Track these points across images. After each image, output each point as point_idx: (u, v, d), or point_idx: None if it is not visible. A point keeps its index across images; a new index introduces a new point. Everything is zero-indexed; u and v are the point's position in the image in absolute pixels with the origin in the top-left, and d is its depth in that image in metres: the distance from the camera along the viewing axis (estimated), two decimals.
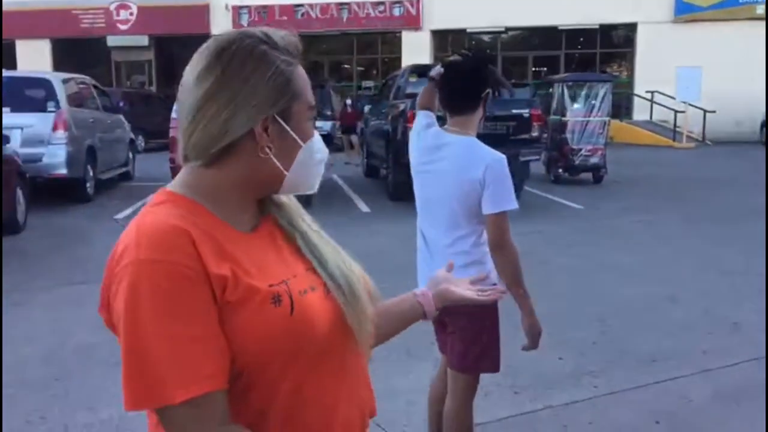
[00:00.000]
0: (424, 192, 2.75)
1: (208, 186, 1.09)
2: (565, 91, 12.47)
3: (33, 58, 25.21)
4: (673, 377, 4.24)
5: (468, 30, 24.54)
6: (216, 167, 1.08)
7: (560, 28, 23.74)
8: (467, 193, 2.54)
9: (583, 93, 12.37)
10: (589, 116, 12.26)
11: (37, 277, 6.40)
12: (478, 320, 2.69)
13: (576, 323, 5.21)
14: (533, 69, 25.72)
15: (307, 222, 1.23)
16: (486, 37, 26.02)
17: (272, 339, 1.04)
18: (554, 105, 12.84)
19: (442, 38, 25.63)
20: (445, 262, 2.58)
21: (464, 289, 1.49)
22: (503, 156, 2.54)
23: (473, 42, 26.08)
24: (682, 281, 6.28)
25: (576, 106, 12.46)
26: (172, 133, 9.02)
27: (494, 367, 2.83)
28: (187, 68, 1.09)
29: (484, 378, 4.13)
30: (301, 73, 1.12)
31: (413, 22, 24.34)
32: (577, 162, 12.25)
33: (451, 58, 2.63)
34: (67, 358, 4.48)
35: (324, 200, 10.61)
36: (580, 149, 12.20)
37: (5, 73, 9.94)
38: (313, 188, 1.20)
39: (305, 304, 1.09)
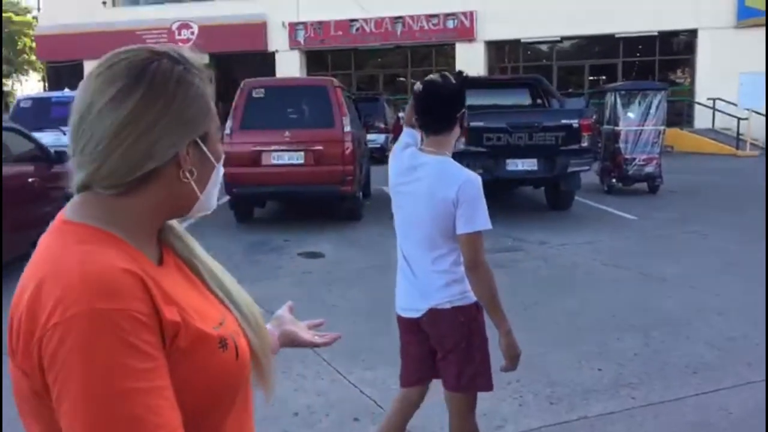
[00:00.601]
0: (402, 213, 2.78)
1: (125, 216, 1.00)
2: (618, 99, 12.30)
3: None
4: (714, 389, 4.17)
5: (523, 40, 24.46)
6: (132, 195, 1.00)
7: (617, 35, 23.40)
8: (441, 213, 2.55)
9: (637, 101, 12.17)
10: (643, 125, 12.05)
11: None
12: (466, 340, 2.72)
13: (618, 334, 5.16)
14: (590, 78, 25.39)
15: (202, 251, 1.15)
16: (541, 47, 25.87)
17: (222, 384, 1.01)
18: (607, 114, 12.68)
19: (497, 49, 25.60)
20: (429, 281, 2.63)
21: (305, 332, 1.51)
22: (477, 176, 2.55)
23: (528, 52, 25.96)
24: (731, 294, 6.14)
25: (629, 114, 12.27)
26: (225, 148, 9.27)
27: (489, 386, 2.85)
28: (89, 89, 1.01)
29: (520, 387, 4.17)
30: (211, 92, 1.08)
31: (467, 34, 24.38)
32: (630, 172, 12.05)
33: (430, 77, 2.67)
34: None
35: (373, 212, 10.74)
36: (634, 158, 12.01)
37: (60, 93, 10.42)
38: (211, 209, 1.13)
39: (242, 346, 1.06)
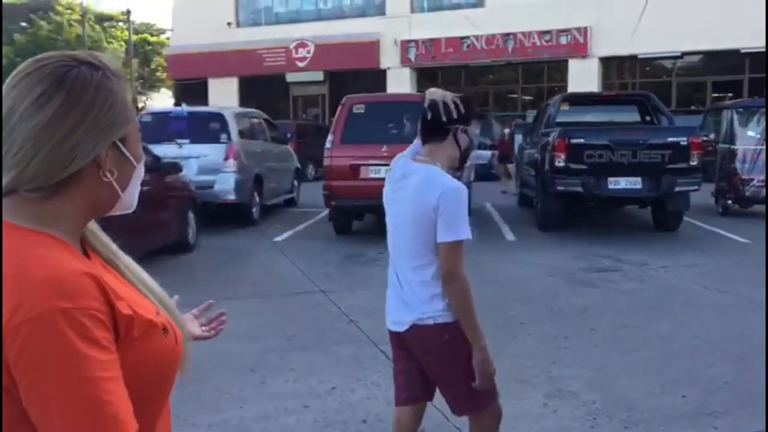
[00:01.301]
0: (390, 221, 2.72)
1: (59, 218, 1.06)
2: (736, 117, 11.69)
3: (222, 94, 27.64)
4: None
5: (639, 56, 23.66)
6: (60, 196, 1.06)
7: (743, 51, 22.20)
8: (422, 219, 2.49)
9: (756, 119, 11.52)
10: (763, 144, 11.38)
11: (196, 292, 7.05)
12: (452, 360, 2.62)
13: (711, 361, 4.92)
14: (714, 95, 24.20)
15: (117, 248, 1.22)
16: (660, 63, 24.95)
17: (168, 367, 1.11)
18: (723, 133, 12.07)
19: (612, 65, 24.91)
20: (413, 293, 2.58)
21: (193, 327, 1.52)
22: (461, 185, 2.49)
23: (647, 68, 25.10)
24: None
25: (749, 133, 11.63)
26: (326, 162, 9.58)
27: (490, 399, 2.75)
28: (12, 95, 1.04)
29: (595, 409, 4.07)
30: (130, 96, 1.14)
31: (581, 50, 23.89)
32: (748, 193, 11.39)
33: (432, 89, 2.69)
34: (206, 365, 4.94)
35: (471, 228, 10.72)
36: (752, 179, 11.34)
37: (187, 108, 11.07)
38: (133, 208, 1.20)
39: (177, 331, 1.16)
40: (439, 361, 2.62)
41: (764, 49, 21.97)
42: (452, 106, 2.57)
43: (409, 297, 2.59)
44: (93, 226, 1.18)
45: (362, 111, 9.44)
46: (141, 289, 1.17)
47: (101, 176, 1.08)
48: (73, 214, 1.08)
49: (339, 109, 9.68)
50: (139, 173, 1.17)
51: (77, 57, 1.09)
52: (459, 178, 2.70)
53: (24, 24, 43.74)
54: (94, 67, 1.08)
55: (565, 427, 3.89)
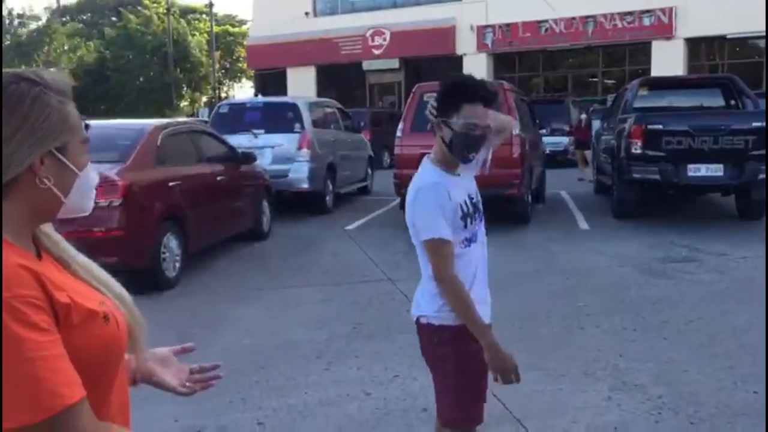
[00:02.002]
0: None
1: (5, 221, 1.16)
2: None
3: (300, 83, 28.08)
4: None
5: (728, 36, 22.62)
6: (5, 200, 1.16)
7: None
8: (409, 215, 2.47)
9: None
10: None
11: (270, 279, 7.27)
12: (438, 364, 2.56)
13: None
14: None
15: (71, 248, 1.33)
16: (751, 43, 23.78)
17: (110, 351, 1.22)
18: None
19: (699, 47, 23.93)
20: (423, 286, 2.56)
21: (173, 376, 1.55)
22: (431, 182, 2.38)
23: (737, 49, 23.99)
24: None
25: None
26: (396, 150, 9.64)
27: (458, 421, 2.61)
28: None
29: (661, 403, 3.98)
30: (73, 110, 1.24)
31: (665, 32, 23.05)
32: None
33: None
34: (274, 351, 5.10)
35: (544, 216, 10.58)
36: None
37: (262, 99, 11.33)
38: (87, 211, 1.31)
39: (120, 320, 1.27)
40: (428, 361, 2.61)
41: None
42: (432, 99, 2.47)
43: (419, 291, 2.59)
44: (47, 228, 1.29)
45: (433, 98, 9.42)
46: (92, 283, 1.28)
47: (38, 183, 1.18)
48: (16, 217, 1.18)
49: (410, 97, 9.71)
50: (85, 180, 1.27)
51: (19, 74, 1.19)
52: (531, 172, 2.60)
53: (114, 18, 45.57)
54: (33, 83, 1.18)
55: (628, 421, 3.83)
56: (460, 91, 2.38)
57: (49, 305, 1.12)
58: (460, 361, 2.44)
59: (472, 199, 2.50)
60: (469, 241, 2.46)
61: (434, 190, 2.37)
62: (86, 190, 1.29)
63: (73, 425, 1.11)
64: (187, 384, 1.57)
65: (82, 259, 1.32)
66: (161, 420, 4.01)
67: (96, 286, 1.29)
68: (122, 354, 1.28)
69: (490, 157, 2.67)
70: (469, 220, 2.43)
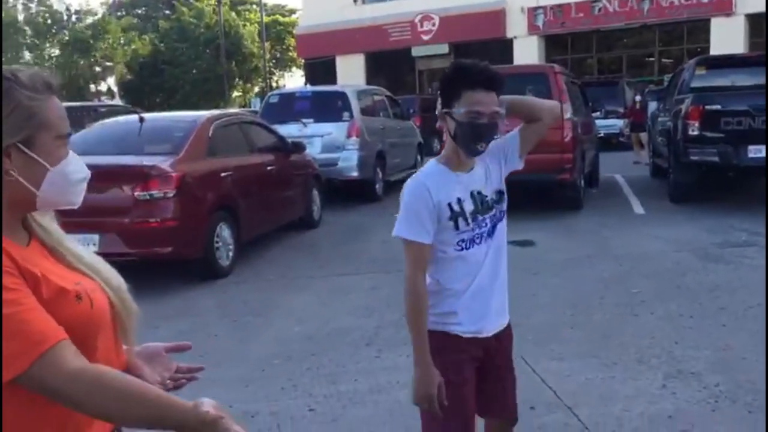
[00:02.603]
0: None
1: None
2: None
3: (349, 71, 28.14)
4: None
5: None
6: None
7: None
8: None
9: None
10: None
11: (320, 267, 7.33)
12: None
13: None
14: None
15: (71, 242, 1.41)
16: None
17: (81, 328, 1.27)
18: None
19: (760, 23, 23.03)
20: None
21: (155, 372, 1.56)
22: (415, 181, 2.26)
23: None
24: None
25: None
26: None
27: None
28: None
29: (718, 392, 3.88)
30: (51, 106, 1.29)
31: (724, 8, 22.28)
32: None
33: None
34: (324, 338, 5.15)
35: (598, 201, 10.39)
36: None
37: (311, 88, 11.40)
38: (74, 204, 1.38)
39: (97, 300, 1.33)
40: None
41: None
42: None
43: None
44: (42, 219, 1.38)
45: None
46: (79, 267, 1.37)
47: (5, 175, 1.25)
48: None
49: None
50: (61, 175, 1.31)
51: None
52: (584, 156, 2.45)
53: (167, 12, 46.40)
54: (6, 80, 1.24)
55: (682, 409, 3.75)
56: (458, 77, 2.19)
57: (19, 273, 1.21)
58: (441, 367, 2.24)
59: (484, 197, 2.29)
60: (470, 242, 2.26)
61: (414, 188, 2.24)
62: (64, 184, 1.33)
63: (57, 366, 1.18)
64: (167, 382, 1.56)
65: (74, 247, 1.40)
66: None
67: (83, 271, 1.36)
68: (95, 334, 1.33)
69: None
70: (462, 221, 2.23)
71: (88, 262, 1.39)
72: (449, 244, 2.26)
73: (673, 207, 9.60)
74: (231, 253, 7.11)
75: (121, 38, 40.41)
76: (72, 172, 1.34)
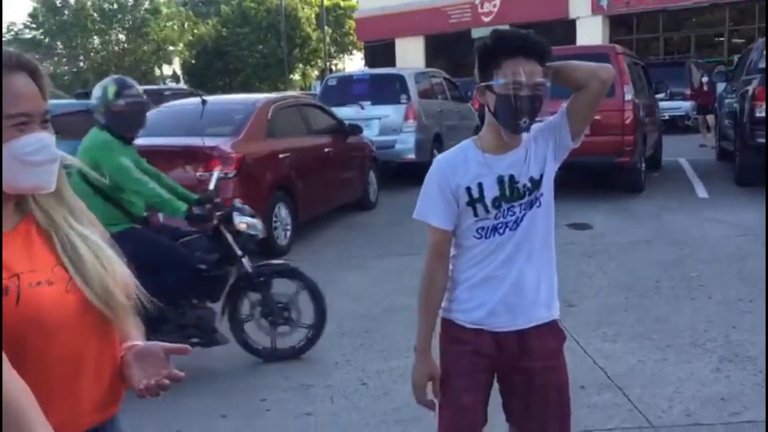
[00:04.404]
0: None
1: None
2: None
3: (409, 54, 28.09)
4: None
5: None
6: None
7: None
8: None
9: None
10: None
11: (375, 248, 7.44)
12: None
13: None
14: None
15: (73, 225, 1.35)
16: None
17: (8, 324, 1.20)
18: None
19: None
20: None
21: (142, 371, 1.42)
22: (441, 162, 2.13)
23: None
24: None
25: None
26: None
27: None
28: None
29: None
30: (7, 84, 1.25)
31: None
32: None
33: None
34: (378, 316, 5.26)
35: (660, 184, 10.18)
36: None
37: (368, 71, 11.47)
38: (42, 188, 1.30)
39: (34, 295, 1.25)
40: None
41: None
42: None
43: None
44: (43, 201, 1.34)
45: None
46: (62, 260, 1.32)
47: None
48: None
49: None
50: (11, 157, 1.26)
51: None
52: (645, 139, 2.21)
53: None
54: None
55: (735, 392, 3.71)
56: (497, 45, 1.98)
57: None
58: (441, 357, 2.16)
59: (516, 182, 2.04)
60: (492, 231, 2.06)
61: (435, 169, 2.11)
62: (19, 166, 1.27)
63: None
64: (151, 382, 1.41)
65: (75, 236, 1.34)
66: (272, 375, 4.26)
67: (63, 261, 1.32)
68: (24, 331, 1.25)
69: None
70: (481, 208, 2.04)
71: (74, 254, 1.32)
72: (468, 230, 2.08)
73: (739, 191, 9.33)
74: (289, 233, 7.28)
75: (178, 23, 41.34)
76: (27, 154, 1.26)
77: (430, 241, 2.13)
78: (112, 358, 1.41)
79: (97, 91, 4.15)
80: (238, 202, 4.54)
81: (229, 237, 4.25)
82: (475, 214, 2.06)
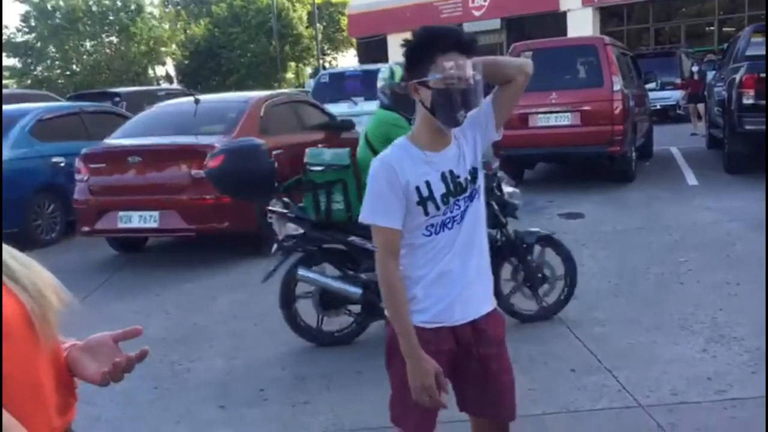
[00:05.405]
0: None
1: None
2: None
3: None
4: None
5: None
6: None
7: None
8: None
9: None
10: None
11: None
12: (386, 359, 2.24)
13: None
14: None
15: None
16: None
17: None
18: None
19: None
20: None
21: (96, 362, 1.39)
22: (379, 160, 2.08)
23: None
24: None
25: None
26: None
27: (400, 421, 2.23)
28: None
29: (760, 356, 3.94)
30: None
31: None
32: None
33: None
34: None
35: (651, 173, 10.29)
36: None
37: (360, 67, 11.55)
38: None
39: None
40: (385, 354, 2.24)
41: None
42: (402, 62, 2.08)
43: None
44: None
45: (529, 58, 9.30)
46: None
47: None
48: None
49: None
50: None
51: None
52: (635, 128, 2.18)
53: None
54: None
55: (721, 372, 3.80)
56: (430, 41, 2.00)
57: None
58: (403, 361, 2.07)
59: (457, 177, 2.08)
60: (440, 227, 2.08)
61: (380, 168, 2.06)
62: None
63: None
64: (109, 369, 1.38)
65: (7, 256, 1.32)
66: (269, 368, 4.35)
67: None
68: None
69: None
70: (432, 206, 2.05)
71: (8, 269, 1.30)
72: (417, 229, 2.08)
73: (728, 178, 9.44)
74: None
75: (169, 23, 41.38)
76: None
77: (380, 243, 2.07)
78: (59, 359, 1.38)
79: (384, 73, 4.59)
80: (501, 172, 4.75)
81: (495, 205, 4.47)
82: (426, 213, 2.06)
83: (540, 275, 4.69)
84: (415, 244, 2.09)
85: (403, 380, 2.07)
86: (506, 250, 4.63)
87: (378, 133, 4.34)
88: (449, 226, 2.09)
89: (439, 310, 2.11)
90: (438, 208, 2.06)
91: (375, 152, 4.02)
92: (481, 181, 2.15)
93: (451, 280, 2.10)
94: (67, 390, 1.39)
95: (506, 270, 4.70)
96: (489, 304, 2.23)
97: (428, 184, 2.05)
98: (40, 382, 1.30)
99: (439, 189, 2.06)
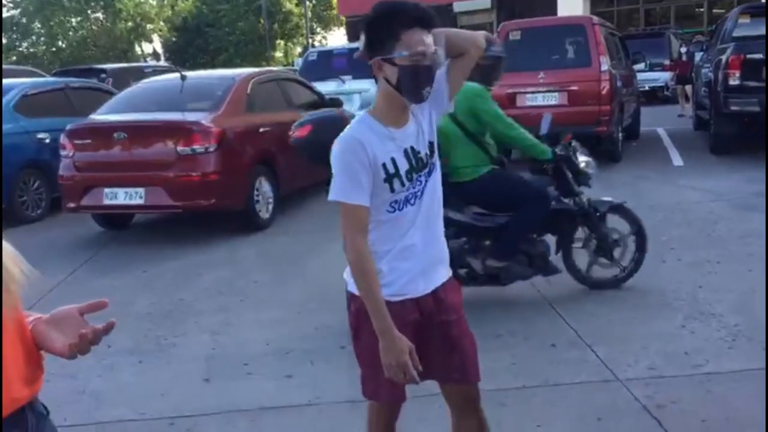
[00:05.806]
0: None
1: None
2: None
3: None
4: None
5: None
6: None
7: None
8: None
9: None
10: None
11: None
12: (354, 333, 2.23)
13: None
14: None
15: None
16: None
17: None
18: None
19: None
20: None
21: (62, 335, 1.39)
22: (344, 138, 2.04)
23: None
24: None
25: None
26: None
27: (374, 395, 2.26)
28: None
29: (736, 331, 4.02)
30: None
31: None
32: None
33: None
34: None
35: (637, 154, 10.34)
36: None
37: (348, 45, 11.50)
38: None
39: None
40: (351, 331, 2.25)
41: None
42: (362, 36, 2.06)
43: None
44: None
45: (518, 38, 9.31)
46: None
47: None
48: None
49: (496, 36, 9.62)
50: None
51: None
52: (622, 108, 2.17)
53: None
54: None
55: (699, 347, 3.87)
56: (392, 17, 1.96)
57: None
58: (371, 336, 2.05)
59: (417, 153, 2.09)
60: (404, 203, 2.10)
61: (347, 145, 2.03)
62: None
63: None
64: (70, 343, 1.38)
65: None
66: (255, 343, 4.39)
67: None
68: None
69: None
70: (398, 182, 2.05)
71: None
72: (382, 205, 2.08)
73: (714, 159, 9.51)
74: (271, 207, 7.37)
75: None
76: None
77: (350, 221, 2.03)
78: (25, 331, 1.38)
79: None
80: (576, 141, 4.83)
81: (569, 174, 4.58)
82: (392, 190, 2.06)
83: (612, 240, 4.82)
84: (380, 219, 2.09)
85: (372, 356, 2.07)
86: (579, 218, 4.75)
87: (464, 105, 4.26)
88: (411, 201, 2.11)
89: (404, 282, 2.12)
90: (403, 185, 2.07)
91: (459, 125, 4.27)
92: (437, 154, 2.17)
93: (415, 254, 2.12)
94: (35, 362, 1.39)
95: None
96: (446, 271, 2.26)
97: (393, 161, 2.05)
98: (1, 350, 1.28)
99: (403, 166, 2.06)
